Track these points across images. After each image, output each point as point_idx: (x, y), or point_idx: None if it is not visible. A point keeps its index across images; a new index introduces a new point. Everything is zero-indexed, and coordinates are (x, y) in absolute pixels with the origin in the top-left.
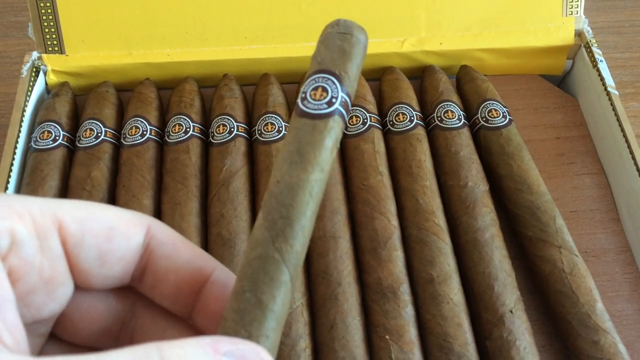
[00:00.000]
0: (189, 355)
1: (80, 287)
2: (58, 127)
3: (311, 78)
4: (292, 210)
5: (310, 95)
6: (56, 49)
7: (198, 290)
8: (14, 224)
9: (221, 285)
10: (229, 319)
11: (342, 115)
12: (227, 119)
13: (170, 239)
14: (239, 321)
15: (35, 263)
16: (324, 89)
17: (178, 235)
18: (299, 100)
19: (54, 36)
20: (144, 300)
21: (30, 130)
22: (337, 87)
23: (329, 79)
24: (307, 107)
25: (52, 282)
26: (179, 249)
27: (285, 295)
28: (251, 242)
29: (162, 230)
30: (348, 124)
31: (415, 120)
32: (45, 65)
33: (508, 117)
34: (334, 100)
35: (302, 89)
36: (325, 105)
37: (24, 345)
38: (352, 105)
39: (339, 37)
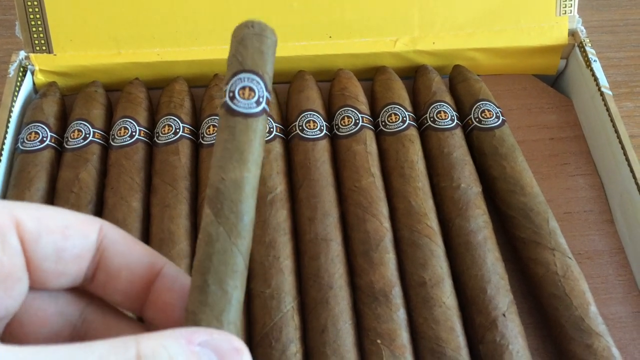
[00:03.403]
0: (164, 347)
1: (33, 287)
2: (45, 128)
3: (237, 77)
4: (240, 205)
5: (239, 94)
6: (44, 48)
7: (150, 283)
8: None
9: (171, 278)
10: (198, 312)
11: (268, 114)
12: (218, 119)
13: (122, 238)
14: (210, 313)
15: None
16: (251, 89)
17: (129, 235)
18: (227, 99)
19: (41, 35)
20: (95, 304)
21: (18, 131)
22: (261, 87)
23: (253, 79)
24: (238, 106)
25: (11, 278)
26: (131, 247)
27: (244, 282)
28: (205, 238)
29: (114, 231)
30: (340, 125)
31: (407, 121)
32: (32, 65)
33: (501, 117)
34: (261, 99)
35: (228, 88)
36: (254, 104)
37: None
38: (344, 106)
39: (256, 38)
